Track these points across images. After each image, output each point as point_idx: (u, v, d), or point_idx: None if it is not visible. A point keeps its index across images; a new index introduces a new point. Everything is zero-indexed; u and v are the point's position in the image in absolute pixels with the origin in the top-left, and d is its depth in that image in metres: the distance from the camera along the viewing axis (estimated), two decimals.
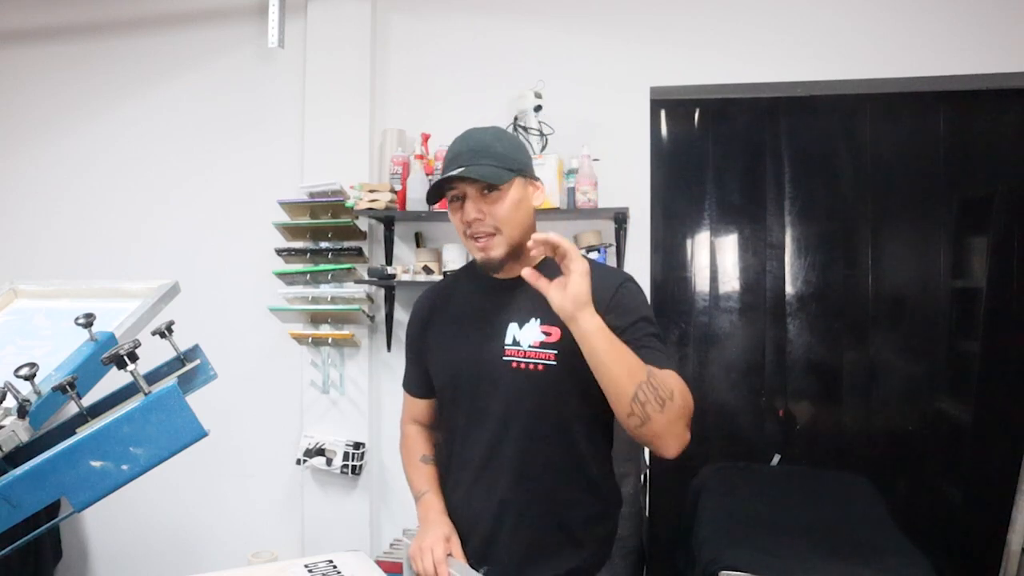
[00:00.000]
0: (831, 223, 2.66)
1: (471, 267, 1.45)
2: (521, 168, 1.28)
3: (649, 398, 1.10)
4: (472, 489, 1.32)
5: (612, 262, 2.52)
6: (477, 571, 1.25)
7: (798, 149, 2.68)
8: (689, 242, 2.76)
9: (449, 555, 1.26)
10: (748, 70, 2.58)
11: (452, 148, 1.30)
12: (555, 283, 1.13)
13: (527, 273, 1.15)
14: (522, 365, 1.26)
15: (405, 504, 2.73)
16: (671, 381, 1.14)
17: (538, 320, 1.27)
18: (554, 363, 1.24)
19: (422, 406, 1.48)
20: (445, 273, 2.51)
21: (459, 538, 1.31)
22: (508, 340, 1.28)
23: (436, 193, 1.30)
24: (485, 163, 1.24)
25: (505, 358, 1.28)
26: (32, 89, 3.12)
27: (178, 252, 2.91)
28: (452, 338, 1.36)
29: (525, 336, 1.27)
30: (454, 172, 1.24)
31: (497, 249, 1.26)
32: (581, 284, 1.10)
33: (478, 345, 1.31)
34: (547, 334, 1.26)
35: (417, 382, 1.47)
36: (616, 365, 1.12)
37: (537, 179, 1.33)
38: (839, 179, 2.66)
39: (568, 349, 1.21)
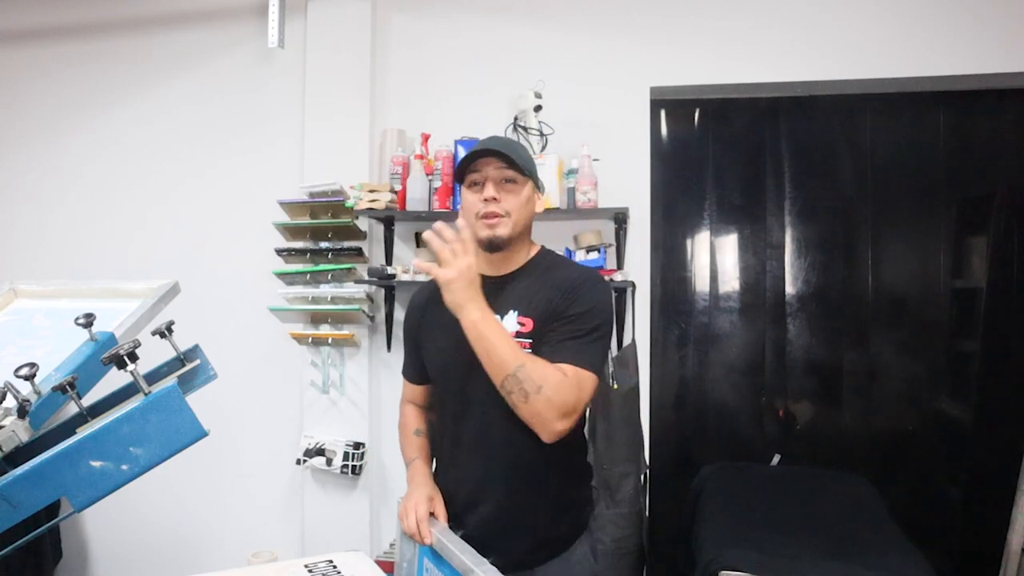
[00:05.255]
0: (831, 223, 2.66)
1: None
2: (534, 176, 1.47)
3: (513, 389, 1.28)
4: (461, 463, 1.46)
5: (612, 262, 2.52)
6: (455, 533, 1.37)
7: (798, 149, 2.68)
8: (689, 242, 2.76)
9: (432, 515, 1.40)
10: (748, 70, 2.58)
11: (479, 143, 1.46)
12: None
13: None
14: None
15: None
16: (544, 376, 1.29)
17: (516, 312, 1.41)
18: (528, 351, 1.36)
19: (418, 390, 1.64)
20: None
21: (443, 502, 1.44)
22: None
23: (461, 173, 1.46)
24: (513, 155, 1.41)
25: None
26: (32, 89, 3.11)
27: (178, 252, 2.91)
28: (443, 328, 1.45)
29: (505, 326, 1.38)
30: (490, 146, 1.40)
31: (503, 228, 1.41)
32: (447, 293, 1.31)
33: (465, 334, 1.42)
34: (522, 324, 1.40)
35: (413, 369, 1.62)
36: (486, 356, 1.30)
37: (539, 191, 1.51)
38: (839, 179, 2.66)
39: (539, 338, 1.38)
